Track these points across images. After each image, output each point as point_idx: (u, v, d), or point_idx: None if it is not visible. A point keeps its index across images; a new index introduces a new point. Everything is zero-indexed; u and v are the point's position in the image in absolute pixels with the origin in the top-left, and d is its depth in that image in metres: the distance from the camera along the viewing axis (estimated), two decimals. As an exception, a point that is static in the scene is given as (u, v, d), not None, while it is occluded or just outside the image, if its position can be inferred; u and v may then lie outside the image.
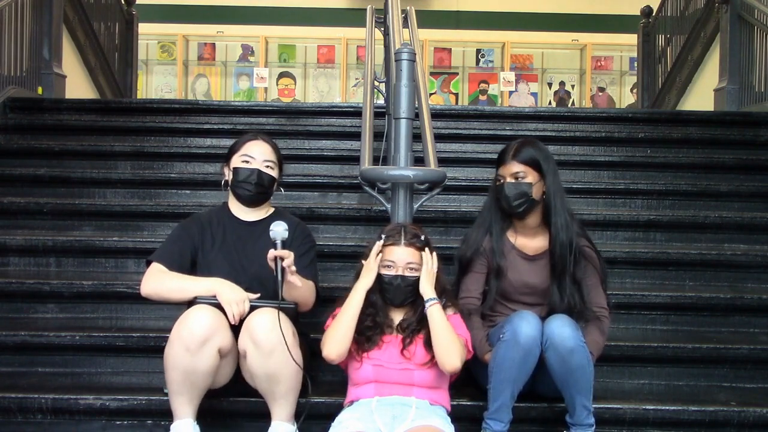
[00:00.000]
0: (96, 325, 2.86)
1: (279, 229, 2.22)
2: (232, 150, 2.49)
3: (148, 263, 2.38)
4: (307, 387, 2.21)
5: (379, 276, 2.29)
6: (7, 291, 2.95)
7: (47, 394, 2.42)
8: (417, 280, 2.27)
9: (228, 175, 2.48)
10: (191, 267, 2.38)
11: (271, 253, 2.17)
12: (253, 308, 2.19)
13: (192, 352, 2.10)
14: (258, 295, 2.25)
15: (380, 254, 2.29)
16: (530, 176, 2.39)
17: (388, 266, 2.28)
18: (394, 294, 2.28)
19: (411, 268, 2.27)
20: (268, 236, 2.23)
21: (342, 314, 2.24)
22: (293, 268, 2.20)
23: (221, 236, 2.44)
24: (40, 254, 3.18)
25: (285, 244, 2.22)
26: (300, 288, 2.28)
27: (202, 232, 2.44)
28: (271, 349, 2.13)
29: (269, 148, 2.49)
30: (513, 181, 2.39)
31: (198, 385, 2.16)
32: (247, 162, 2.43)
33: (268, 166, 2.45)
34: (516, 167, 2.39)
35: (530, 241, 2.47)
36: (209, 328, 2.12)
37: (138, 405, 2.42)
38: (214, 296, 2.20)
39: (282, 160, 2.53)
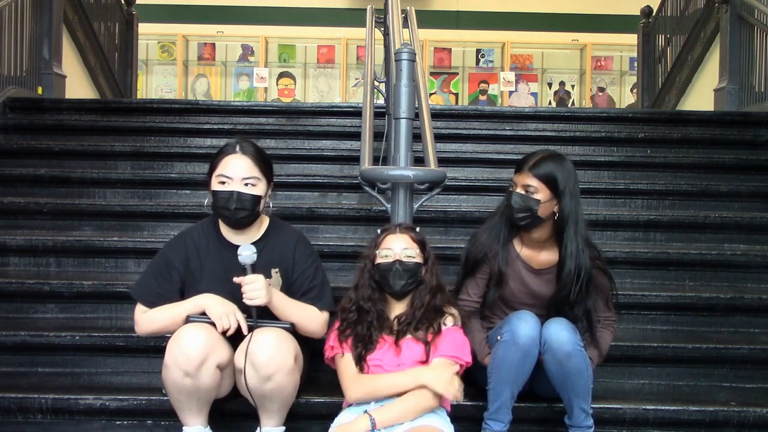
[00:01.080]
0: (96, 325, 2.86)
1: (247, 254, 2.10)
2: (211, 166, 2.25)
3: (135, 296, 2.28)
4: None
5: (376, 267, 2.26)
6: (7, 291, 2.95)
7: (47, 394, 2.42)
8: (415, 265, 2.24)
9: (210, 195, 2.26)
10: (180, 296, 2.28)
11: (237, 281, 2.10)
12: (251, 327, 2.13)
13: (192, 375, 2.06)
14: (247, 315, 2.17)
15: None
16: (541, 193, 2.28)
17: (386, 255, 2.25)
18: (394, 280, 2.23)
19: (408, 255, 2.24)
20: (260, 262, 2.12)
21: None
22: (259, 300, 2.10)
23: (211, 264, 2.27)
24: (40, 254, 3.18)
25: (283, 266, 2.14)
26: (293, 316, 2.21)
27: (188, 261, 2.27)
28: (269, 375, 2.08)
29: (248, 162, 2.21)
30: (522, 192, 2.30)
31: (204, 399, 2.14)
32: (223, 183, 2.19)
33: (248, 184, 2.20)
34: (529, 180, 2.29)
35: (536, 255, 2.40)
36: (204, 347, 2.06)
37: (138, 405, 2.42)
38: (205, 313, 2.13)
39: (269, 167, 2.28)
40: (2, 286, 2.96)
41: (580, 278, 2.28)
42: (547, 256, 2.39)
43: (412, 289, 2.27)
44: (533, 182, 2.28)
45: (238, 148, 2.23)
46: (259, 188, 2.23)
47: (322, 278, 2.34)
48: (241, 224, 2.25)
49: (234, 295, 2.17)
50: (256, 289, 2.10)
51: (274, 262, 2.26)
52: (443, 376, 2.12)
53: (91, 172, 3.75)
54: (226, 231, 2.30)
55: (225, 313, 2.10)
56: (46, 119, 4.35)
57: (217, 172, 2.22)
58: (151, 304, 2.24)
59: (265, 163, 2.26)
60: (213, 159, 2.26)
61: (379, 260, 2.26)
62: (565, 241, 2.29)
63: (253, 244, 2.22)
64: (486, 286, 2.42)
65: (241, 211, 2.20)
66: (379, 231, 2.34)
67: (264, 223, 2.34)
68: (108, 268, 3.19)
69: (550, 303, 2.36)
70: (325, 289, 2.32)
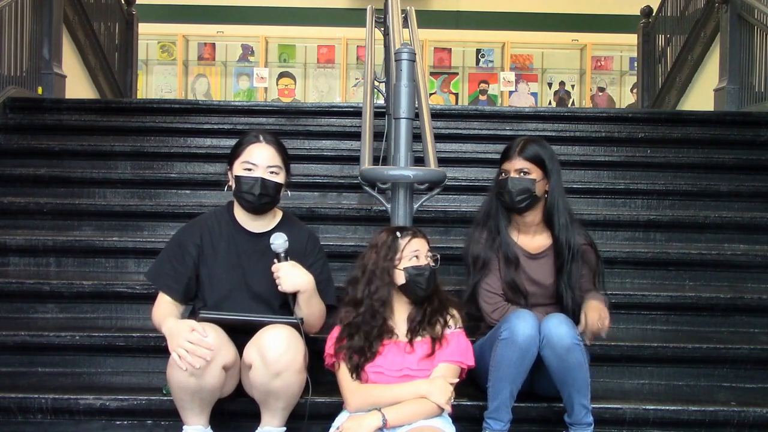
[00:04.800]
0: (96, 325, 2.86)
1: (279, 242, 2.16)
2: (234, 153, 2.34)
3: (149, 279, 2.37)
4: (308, 388, 2.20)
5: (406, 271, 2.22)
6: (7, 291, 2.95)
7: (47, 394, 2.42)
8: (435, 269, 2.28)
9: (231, 181, 2.35)
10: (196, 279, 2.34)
11: (273, 268, 2.16)
12: (262, 323, 2.16)
13: (197, 375, 2.06)
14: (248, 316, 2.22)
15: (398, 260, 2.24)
16: (534, 173, 2.42)
17: (416, 257, 2.24)
18: (427, 283, 2.23)
19: (434, 259, 2.27)
20: (273, 251, 2.18)
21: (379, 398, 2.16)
22: (292, 287, 2.17)
23: (224, 248, 2.33)
24: (40, 254, 3.18)
25: (293, 256, 2.17)
26: (311, 309, 2.25)
27: (202, 245, 2.33)
28: (279, 371, 2.09)
29: (273, 152, 2.32)
30: (517, 176, 2.41)
31: (207, 399, 2.15)
32: (249, 170, 2.29)
33: (272, 172, 2.30)
34: (521, 163, 2.42)
35: (531, 240, 2.48)
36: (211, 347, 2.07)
37: (138, 405, 2.42)
38: (217, 311, 2.17)
39: (288, 160, 2.38)
40: (2, 286, 2.96)
41: (572, 247, 2.40)
42: (541, 241, 2.49)
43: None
44: (525, 164, 2.42)
45: (261, 138, 2.34)
46: (281, 177, 2.34)
47: (329, 274, 2.42)
48: (261, 210, 2.34)
49: (246, 279, 2.24)
50: (289, 275, 2.16)
51: (287, 251, 2.31)
52: (444, 389, 2.14)
53: (91, 172, 3.75)
54: (241, 217, 2.37)
55: (178, 344, 2.05)
56: (46, 119, 4.35)
57: (242, 159, 2.31)
58: (165, 287, 2.30)
59: (285, 153, 2.37)
60: (235, 148, 2.36)
61: (409, 263, 2.23)
62: (556, 216, 2.44)
63: (267, 232, 2.33)
64: (498, 278, 2.46)
65: (264, 196, 2.30)
66: (398, 234, 2.27)
67: (278, 214, 2.44)
68: (108, 268, 3.19)
69: (555, 287, 2.41)
70: (330, 284, 2.41)
